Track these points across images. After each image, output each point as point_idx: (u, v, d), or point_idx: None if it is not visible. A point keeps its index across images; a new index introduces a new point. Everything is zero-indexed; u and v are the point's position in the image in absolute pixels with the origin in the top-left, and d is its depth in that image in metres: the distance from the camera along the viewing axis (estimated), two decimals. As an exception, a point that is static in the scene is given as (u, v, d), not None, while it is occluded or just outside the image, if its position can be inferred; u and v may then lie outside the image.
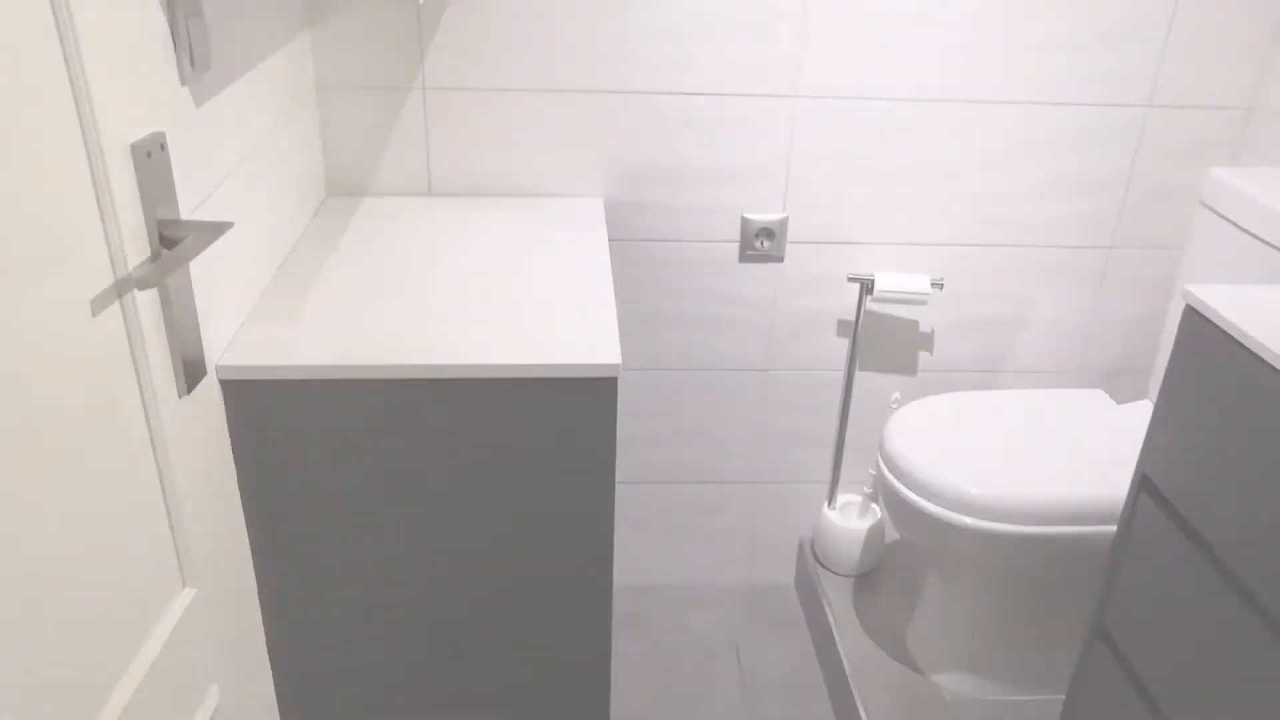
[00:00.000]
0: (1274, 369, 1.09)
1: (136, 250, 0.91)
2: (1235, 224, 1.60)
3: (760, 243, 1.83)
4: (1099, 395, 1.83)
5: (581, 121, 1.71)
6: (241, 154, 1.27)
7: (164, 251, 0.93)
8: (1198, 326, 1.22)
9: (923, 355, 1.97)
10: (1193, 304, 1.23)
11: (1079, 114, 1.77)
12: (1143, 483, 1.32)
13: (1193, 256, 1.72)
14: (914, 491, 1.61)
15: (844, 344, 1.94)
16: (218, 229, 0.94)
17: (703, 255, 1.84)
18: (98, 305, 0.85)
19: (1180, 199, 1.86)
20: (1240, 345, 1.15)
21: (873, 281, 1.82)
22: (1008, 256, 1.88)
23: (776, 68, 1.69)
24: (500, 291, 1.37)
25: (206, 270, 1.12)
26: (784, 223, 1.82)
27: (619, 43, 1.66)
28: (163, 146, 0.94)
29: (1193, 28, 1.71)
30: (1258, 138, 1.78)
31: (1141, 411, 1.81)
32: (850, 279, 1.84)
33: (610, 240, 1.82)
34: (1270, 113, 1.75)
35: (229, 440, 1.20)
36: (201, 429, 1.10)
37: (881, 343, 1.95)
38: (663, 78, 1.69)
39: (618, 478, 2.05)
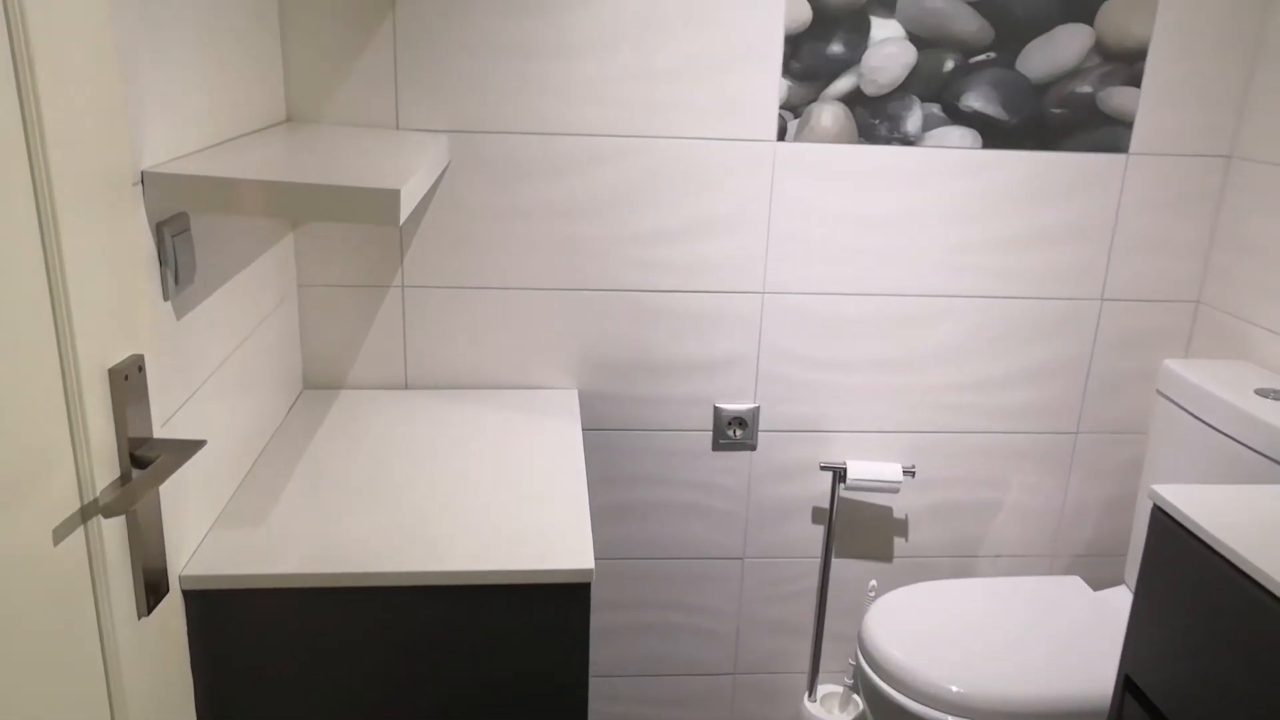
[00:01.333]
0: (1238, 570, 1.10)
1: (105, 473, 0.91)
2: (1189, 412, 1.64)
3: (733, 432, 1.85)
4: (1076, 583, 1.82)
5: (557, 316, 1.76)
6: (221, 356, 1.29)
7: (134, 472, 0.93)
8: (1166, 526, 1.24)
9: (898, 541, 1.96)
10: (1159, 504, 1.24)
11: (1039, 307, 1.84)
12: (1126, 684, 1.30)
13: (1155, 442, 1.76)
14: (895, 689, 1.57)
15: (819, 531, 1.94)
16: (190, 448, 0.95)
17: (677, 444, 1.86)
18: (60, 533, 0.84)
19: (1140, 386, 1.91)
20: (1206, 546, 1.16)
21: (845, 470, 1.84)
22: (978, 443, 1.91)
23: (745, 265, 1.76)
24: (473, 490, 1.37)
25: (176, 482, 1.11)
26: (756, 412, 1.85)
27: (594, 243, 1.72)
28: (140, 369, 0.95)
29: (1137, 230, 1.81)
30: (1205, 329, 1.85)
31: (1119, 599, 1.80)
32: (823, 467, 1.85)
33: (585, 430, 1.83)
34: (1213, 307, 1.83)
35: (188, 655, 1.17)
36: (160, 647, 1.07)
37: (857, 530, 1.95)
38: (636, 276, 1.75)
39: (595, 671, 1.99)
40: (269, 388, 1.53)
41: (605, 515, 1.89)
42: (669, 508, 1.90)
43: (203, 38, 1.22)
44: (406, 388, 1.77)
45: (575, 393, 1.77)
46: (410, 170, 1.22)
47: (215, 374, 1.27)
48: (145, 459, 0.93)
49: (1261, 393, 1.57)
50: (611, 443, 1.85)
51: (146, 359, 0.98)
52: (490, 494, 1.37)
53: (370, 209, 1.11)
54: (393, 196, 1.10)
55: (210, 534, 1.23)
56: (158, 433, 1.05)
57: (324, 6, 1.57)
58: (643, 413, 1.83)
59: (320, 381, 1.75)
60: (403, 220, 1.12)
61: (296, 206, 1.09)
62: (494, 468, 1.45)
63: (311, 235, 1.68)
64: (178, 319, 1.14)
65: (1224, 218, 1.81)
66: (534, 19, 1.61)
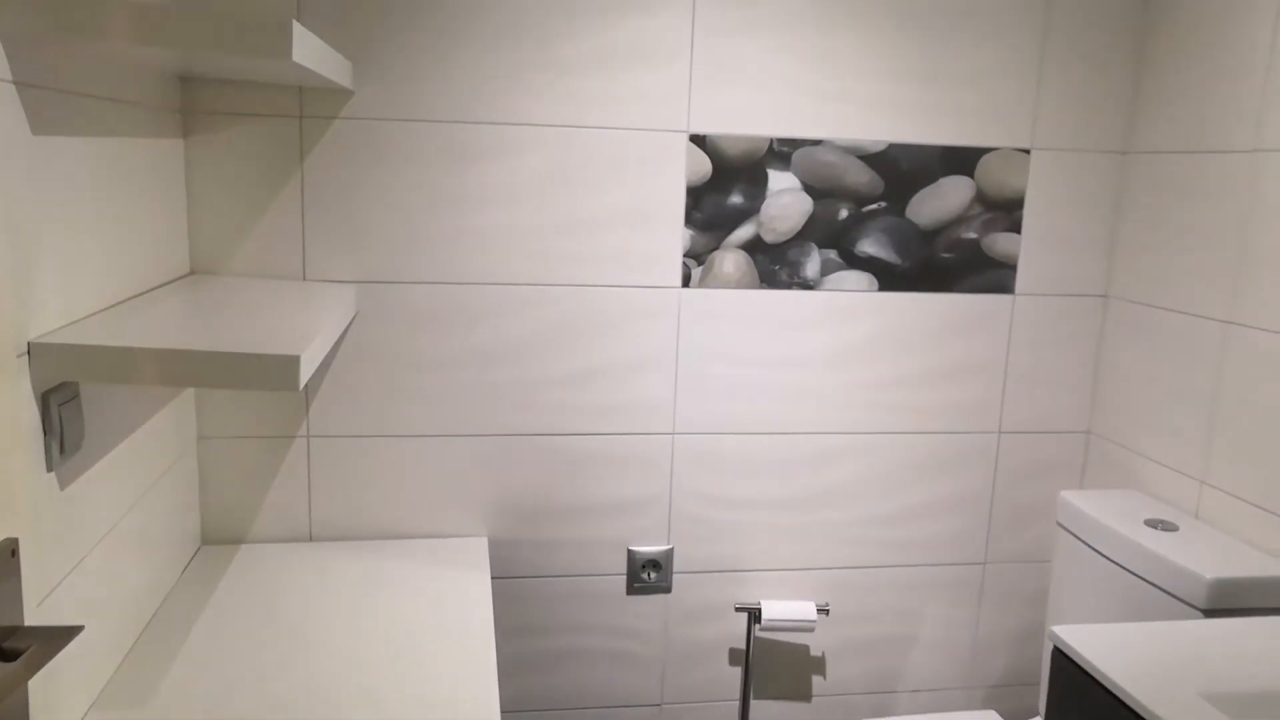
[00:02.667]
0: (1132, 711, 1.12)
1: (-30, 667, 0.85)
2: (1086, 543, 1.69)
3: (647, 574, 1.84)
4: (992, 717, 1.82)
5: (466, 463, 1.74)
6: (111, 521, 1.24)
7: (2, 666, 0.87)
8: (1066, 666, 1.26)
9: (817, 680, 1.95)
10: (1058, 645, 1.27)
11: (942, 441, 1.89)
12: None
13: (1057, 573, 1.80)
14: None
15: (737, 673, 1.91)
16: (65, 636, 0.90)
17: (590, 589, 1.83)
18: (-86, 741, 0.78)
19: (1041, 516, 1.96)
20: (1103, 687, 1.18)
21: (759, 610, 1.83)
22: (890, 577, 1.93)
23: (655, 407, 1.79)
24: (378, 647, 1.33)
25: (50, 669, 1.05)
26: (670, 554, 1.84)
27: (505, 389, 1.73)
28: (14, 553, 0.91)
29: (1028, 366, 1.90)
30: (1097, 460, 1.93)
31: (1035, 733, 1.80)
32: (738, 609, 1.85)
33: (495, 579, 1.80)
34: (1103, 437, 1.91)
35: None
36: None
37: (774, 670, 1.93)
38: (546, 420, 1.76)
39: (507, 831, 1.90)
40: (163, 548, 1.47)
41: (517, 666, 1.84)
42: (583, 655, 1.86)
43: (103, 196, 1.22)
44: (311, 540, 1.72)
45: (485, 540, 1.75)
46: (313, 330, 1.22)
47: (103, 541, 1.22)
48: (14, 650, 0.88)
49: (1151, 523, 1.63)
50: (523, 590, 1.81)
51: (21, 541, 0.94)
52: (394, 651, 1.32)
53: (269, 375, 1.10)
54: (292, 363, 1.09)
55: (89, 718, 1.16)
56: (33, 614, 1.00)
57: (231, 161, 1.59)
58: (555, 558, 1.81)
59: (220, 537, 1.69)
60: (302, 385, 1.11)
61: (191, 374, 1.08)
62: (399, 622, 1.41)
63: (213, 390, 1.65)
64: (62, 489, 1.10)
65: (1105, 353, 1.91)
66: (445, 173, 1.65)
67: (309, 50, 1.15)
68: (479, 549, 1.71)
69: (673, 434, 1.80)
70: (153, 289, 1.41)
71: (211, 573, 1.57)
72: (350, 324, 1.67)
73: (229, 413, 1.66)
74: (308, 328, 1.24)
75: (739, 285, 1.78)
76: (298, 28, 1.08)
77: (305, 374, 1.13)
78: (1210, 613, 1.43)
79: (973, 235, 1.85)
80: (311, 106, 1.60)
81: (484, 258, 1.68)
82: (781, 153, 1.76)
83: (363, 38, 1.59)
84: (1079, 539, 1.72)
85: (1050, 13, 1.78)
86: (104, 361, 1.05)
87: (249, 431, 1.67)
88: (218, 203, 1.60)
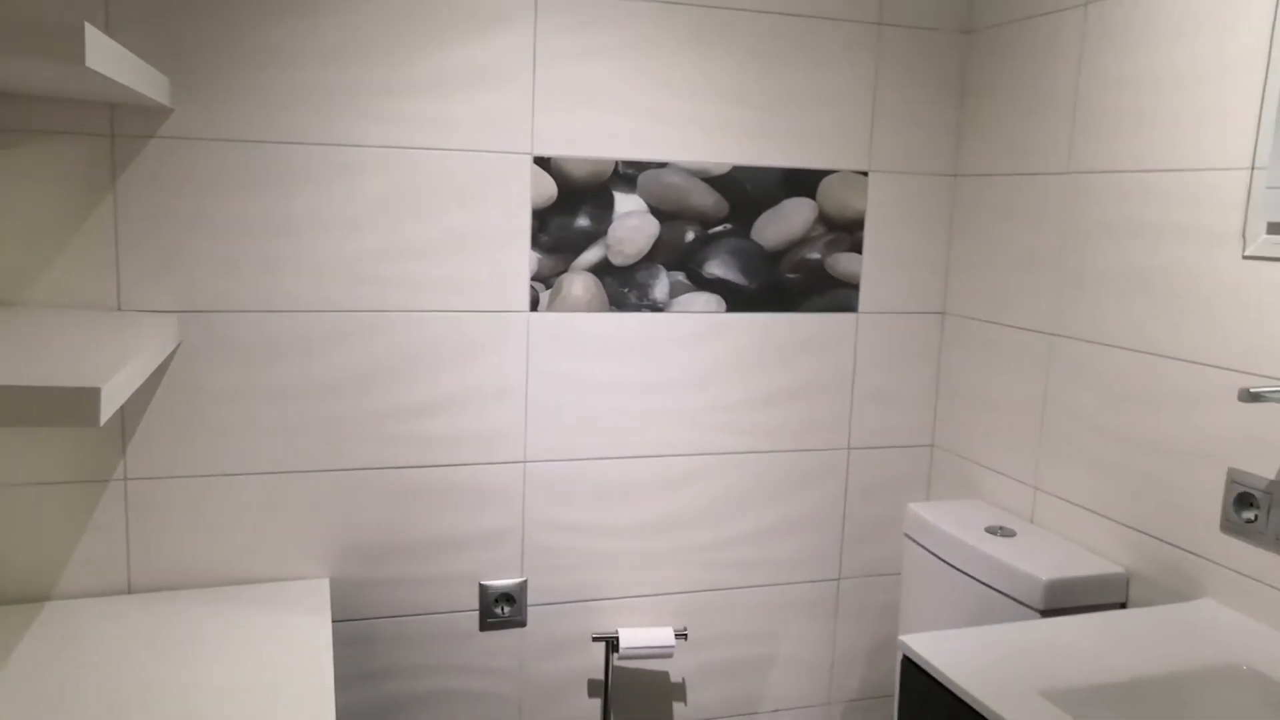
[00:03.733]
0: (976, 713, 1.14)
1: None
2: (933, 553, 1.74)
3: (501, 609, 1.78)
4: (850, 731, 1.84)
5: (304, 501, 1.65)
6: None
7: None
8: (914, 673, 1.27)
9: (678, 707, 1.92)
10: (906, 653, 1.28)
11: (794, 459, 1.91)
12: (896, 843, 1.30)
13: (907, 585, 1.84)
14: None
15: (597, 705, 1.87)
16: None
17: (441, 628, 1.75)
18: None
19: (892, 530, 2.01)
20: (949, 691, 1.19)
21: (617, 639, 1.79)
22: (747, 597, 1.93)
23: (505, 435, 1.74)
24: (204, 704, 1.22)
25: None
26: (524, 586, 1.79)
27: (344, 421, 1.65)
28: None
29: (874, 382, 1.94)
30: (941, 472, 1.99)
31: (891, 744, 1.83)
32: (595, 638, 1.80)
33: (337, 622, 1.70)
34: (946, 450, 1.97)
35: None
36: None
37: (634, 699, 1.90)
38: (390, 453, 1.68)
39: None
40: (-48, 609, 1.32)
41: (362, 714, 1.74)
42: (434, 698, 1.77)
43: None
44: (130, 592, 1.58)
45: (326, 582, 1.65)
46: (120, 361, 1.12)
47: None
48: None
49: (991, 530, 1.68)
50: (370, 633, 1.72)
51: None
52: (223, 708, 1.22)
53: (66, 410, 1.00)
54: (91, 396, 1.00)
55: None
56: None
57: (34, 181, 1.46)
58: (403, 596, 1.73)
59: (17, 595, 1.54)
60: (104, 420, 1.02)
61: (-29, 410, 0.97)
62: (228, 676, 1.30)
63: (10, 429, 1.51)
64: None
65: (945, 368, 1.98)
66: (276, 197, 1.56)
67: (107, 57, 1.07)
68: (319, 591, 1.61)
69: (524, 462, 1.76)
70: (-64, 321, 1.27)
71: (6, 639, 1.42)
72: (172, 356, 1.56)
73: (27, 456, 1.51)
74: (114, 359, 1.14)
75: (588, 308, 1.76)
76: (92, 31, 1.00)
77: (108, 409, 1.03)
78: (1047, 613, 1.48)
79: (816, 256, 1.89)
80: (124, 124, 1.49)
81: (321, 285, 1.60)
82: (627, 175, 1.75)
83: (183, 52, 1.50)
84: (926, 549, 1.76)
85: (881, 42, 1.85)
86: None
87: (51, 476, 1.53)
88: (18, 227, 1.46)
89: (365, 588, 1.70)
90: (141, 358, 1.20)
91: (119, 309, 1.53)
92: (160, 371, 1.56)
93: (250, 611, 1.52)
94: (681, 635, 1.83)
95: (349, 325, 1.63)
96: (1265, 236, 1.31)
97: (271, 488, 1.63)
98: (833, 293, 1.90)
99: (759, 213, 1.84)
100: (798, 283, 1.88)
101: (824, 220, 1.88)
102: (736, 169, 1.81)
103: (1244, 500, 1.34)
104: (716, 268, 1.83)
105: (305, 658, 1.37)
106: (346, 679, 1.72)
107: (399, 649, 1.74)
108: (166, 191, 1.52)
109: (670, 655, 1.81)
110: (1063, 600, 1.49)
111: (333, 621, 1.68)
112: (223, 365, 1.58)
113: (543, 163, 1.70)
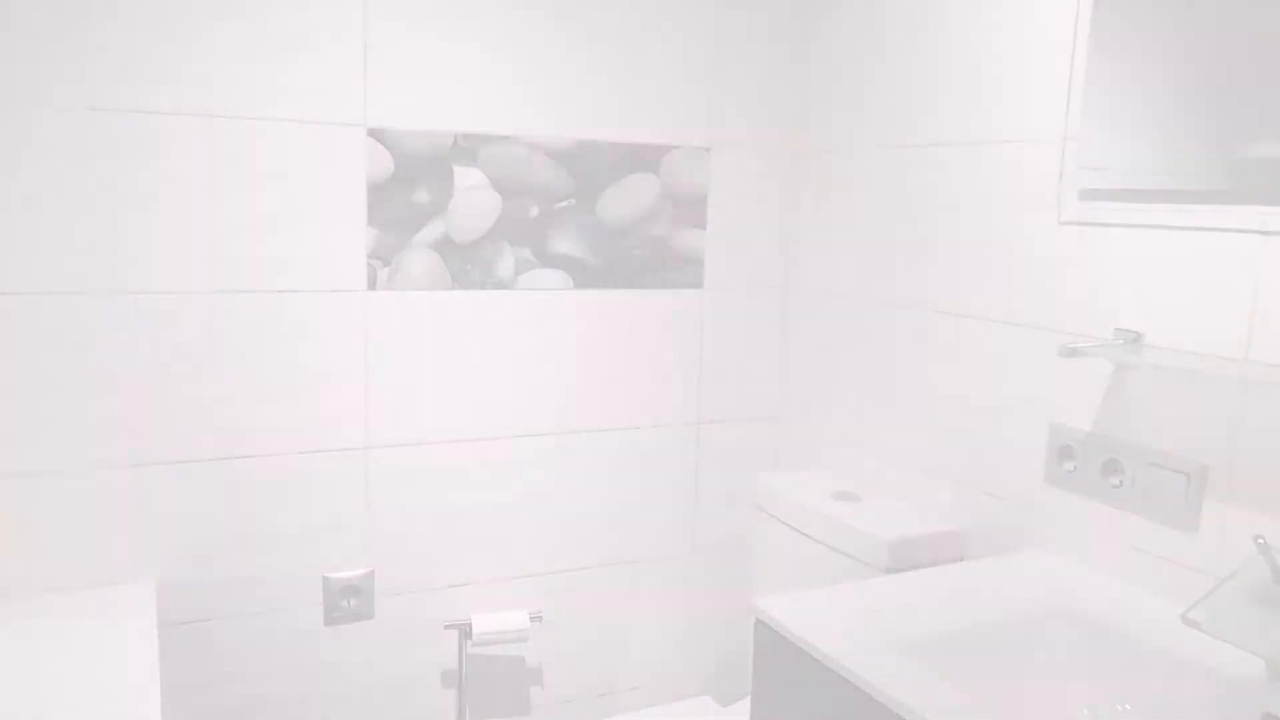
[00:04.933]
0: (830, 670, 1.16)
1: None
2: (779, 520, 1.77)
3: (347, 602, 1.69)
4: (706, 702, 1.86)
5: (122, 498, 1.52)
6: None
7: None
8: (768, 636, 1.28)
9: (535, 691, 1.89)
10: (760, 617, 1.29)
11: (645, 435, 1.91)
12: (754, 805, 1.31)
13: (758, 554, 1.87)
14: None
15: (452, 695, 1.81)
16: None
17: (282, 626, 1.66)
18: None
19: (742, 502, 2.04)
20: (802, 650, 1.21)
21: (470, 626, 1.75)
22: (602, 576, 1.92)
23: (345, 421, 1.65)
24: (1, 731, 1.11)
25: None
26: (370, 576, 1.71)
27: (167, 412, 1.53)
28: None
29: (721, 357, 1.96)
30: (789, 443, 2.03)
31: (745, 712, 1.85)
32: (447, 626, 1.75)
33: (164, 627, 1.58)
34: (792, 420, 2.01)
35: None
36: None
37: (491, 687, 1.85)
38: (218, 443, 1.57)
39: None
40: None
41: (201, 722, 1.63)
42: (277, 702, 1.67)
43: None
44: (-82, 608, 1.42)
45: (151, 585, 1.53)
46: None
47: None
48: None
49: (837, 496, 1.73)
50: (202, 637, 1.61)
51: None
52: (26, 731, 1.11)
53: None
54: None
55: None
56: None
57: None
58: (239, 595, 1.62)
59: None
60: None
61: None
62: (35, 696, 1.18)
63: None
64: None
65: (789, 342, 2.02)
66: (78, 168, 1.43)
67: None
68: (143, 595, 1.49)
69: (366, 448, 1.68)
70: None
71: None
72: (-39, 345, 1.41)
73: None
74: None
75: (430, 287, 1.70)
76: None
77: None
78: (891, 572, 1.53)
79: (661, 232, 1.89)
80: (-107, 85, 1.33)
81: (133, 264, 1.48)
82: (467, 149, 1.70)
83: (-40, 6, 1.35)
84: (775, 517, 1.79)
85: (723, 19, 1.86)
86: None
87: None
88: None
89: (198, 588, 1.59)
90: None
91: (-106, 293, 1.36)
92: (-53, 362, 1.40)
93: (61, 622, 1.39)
94: (536, 618, 1.80)
95: (169, 308, 1.51)
96: (1077, 203, 1.39)
97: (84, 485, 1.49)
98: (678, 269, 1.91)
99: (603, 189, 1.82)
100: (644, 259, 1.88)
101: (669, 196, 1.88)
102: (580, 144, 1.78)
103: (1065, 452, 1.42)
104: (563, 244, 1.80)
105: (127, 666, 1.26)
106: (179, 688, 1.60)
107: (237, 652, 1.63)
108: (-52, 161, 1.37)
109: (525, 639, 1.77)
110: (906, 559, 1.54)
111: (161, 627, 1.56)
112: (24, 354, 1.43)
113: (377, 134, 1.62)
